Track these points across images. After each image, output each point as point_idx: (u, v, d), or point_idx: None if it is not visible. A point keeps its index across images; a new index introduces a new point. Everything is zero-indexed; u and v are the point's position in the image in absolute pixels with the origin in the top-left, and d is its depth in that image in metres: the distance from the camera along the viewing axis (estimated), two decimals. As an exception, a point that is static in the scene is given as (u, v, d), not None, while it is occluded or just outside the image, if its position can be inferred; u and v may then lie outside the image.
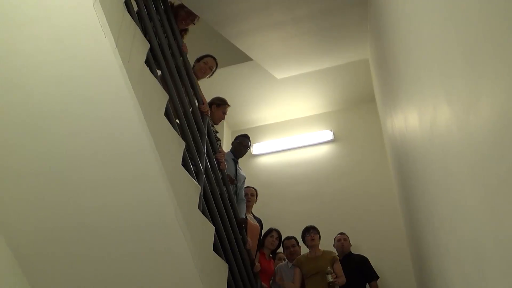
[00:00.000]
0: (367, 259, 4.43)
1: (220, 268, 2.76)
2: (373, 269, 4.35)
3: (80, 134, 2.09)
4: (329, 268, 3.72)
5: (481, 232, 1.06)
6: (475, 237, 1.13)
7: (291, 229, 5.78)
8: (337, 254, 4.14)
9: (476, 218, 1.08)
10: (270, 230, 4.32)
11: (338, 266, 3.83)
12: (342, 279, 3.74)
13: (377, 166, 6.01)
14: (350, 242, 4.70)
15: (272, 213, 6.14)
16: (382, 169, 5.90)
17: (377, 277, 4.32)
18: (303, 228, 4.20)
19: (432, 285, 2.51)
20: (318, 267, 3.78)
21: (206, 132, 3.18)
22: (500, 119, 0.79)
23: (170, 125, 2.43)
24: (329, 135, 6.55)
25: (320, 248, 4.03)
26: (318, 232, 4.09)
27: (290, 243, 4.28)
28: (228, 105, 3.93)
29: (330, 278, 3.64)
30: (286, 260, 4.23)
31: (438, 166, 1.53)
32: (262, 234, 4.29)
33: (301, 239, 4.20)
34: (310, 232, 4.05)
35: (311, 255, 3.95)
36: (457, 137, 1.15)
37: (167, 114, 2.46)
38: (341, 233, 4.75)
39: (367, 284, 4.29)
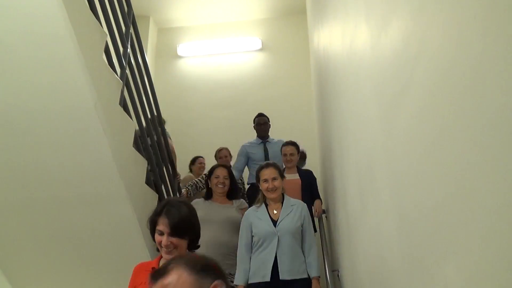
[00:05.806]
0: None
1: (138, 164, 2.82)
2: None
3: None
4: None
5: (374, 142, 1.21)
6: (369, 146, 1.29)
7: (213, 134, 5.93)
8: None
9: (372, 129, 1.23)
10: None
11: None
12: None
13: (301, 79, 6.20)
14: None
15: (194, 117, 6.21)
16: (304, 83, 6.10)
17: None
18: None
19: (332, 188, 2.82)
20: None
21: (130, 25, 3.05)
22: (402, 43, 0.89)
23: (92, 14, 2.30)
24: (258, 43, 6.54)
25: None
26: None
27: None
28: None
29: None
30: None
31: (351, 83, 1.65)
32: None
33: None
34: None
35: None
36: (368, 56, 1.25)
37: (89, 4, 2.32)
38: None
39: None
